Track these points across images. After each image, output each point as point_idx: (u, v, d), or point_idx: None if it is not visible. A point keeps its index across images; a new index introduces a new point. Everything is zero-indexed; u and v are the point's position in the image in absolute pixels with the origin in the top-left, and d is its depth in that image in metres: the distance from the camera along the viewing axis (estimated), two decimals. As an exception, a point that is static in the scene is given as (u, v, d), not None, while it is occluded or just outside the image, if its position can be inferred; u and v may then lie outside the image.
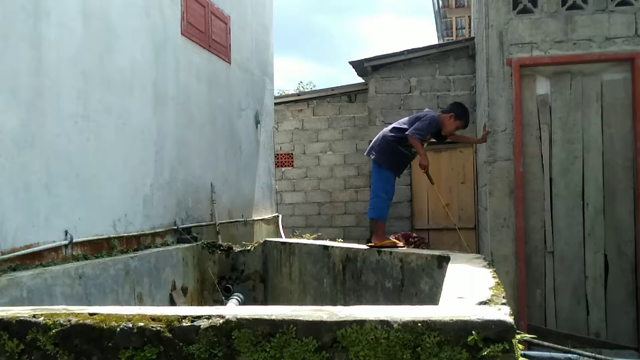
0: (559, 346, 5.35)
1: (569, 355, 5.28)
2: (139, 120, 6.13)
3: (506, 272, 5.80)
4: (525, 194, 5.93)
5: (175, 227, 6.78)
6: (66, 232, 4.88)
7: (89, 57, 5.30)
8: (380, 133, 5.34)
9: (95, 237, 5.28)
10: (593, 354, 5.32)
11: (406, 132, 5.04)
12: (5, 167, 4.27)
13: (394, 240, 5.26)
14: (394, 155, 5.15)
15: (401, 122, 5.25)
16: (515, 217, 5.90)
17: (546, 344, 5.31)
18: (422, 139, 5.12)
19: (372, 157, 5.25)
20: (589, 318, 5.82)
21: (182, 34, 7.12)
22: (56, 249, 4.77)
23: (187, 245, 6.62)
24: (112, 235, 5.53)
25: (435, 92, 10.09)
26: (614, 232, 5.83)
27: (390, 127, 5.30)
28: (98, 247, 5.33)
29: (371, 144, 5.37)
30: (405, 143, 5.12)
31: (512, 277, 5.84)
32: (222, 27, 8.33)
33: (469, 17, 14.66)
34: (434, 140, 5.42)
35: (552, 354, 5.31)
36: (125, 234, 5.76)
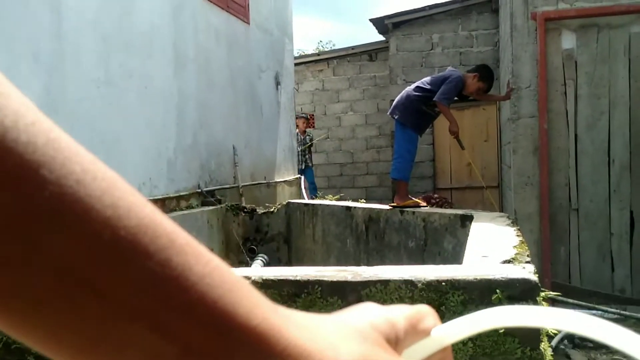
0: (584, 303, 5.36)
1: (594, 311, 5.29)
2: (160, 84, 6.14)
3: (530, 230, 5.78)
4: (549, 151, 5.85)
5: (199, 190, 6.84)
6: (92, 197, 4.95)
7: (108, 21, 5.29)
8: (404, 92, 5.28)
9: (120, 201, 5.35)
10: (618, 311, 5.32)
11: (434, 99, 4.99)
12: (30, 134, 4.32)
13: (417, 200, 5.26)
14: (417, 115, 5.10)
15: (425, 82, 5.18)
16: (539, 174, 5.85)
17: (570, 301, 5.33)
18: (450, 102, 5.07)
19: (396, 117, 5.21)
20: (614, 275, 5.80)
21: (200, -5, 7.06)
22: (83, 213, 4.85)
23: (211, 207, 6.69)
24: (137, 199, 5.60)
25: (457, 49, 9.93)
26: (640, 189, 5.76)
27: (413, 86, 5.24)
28: (124, 211, 5.40)
29: (394, 103, 5.32)
30: (429, 103, 5.07)
31: (536, 235, 5.81)
32: (240, -13, 8.23)
33: (492, -30, 14.29)
34: (456, 98, 5.36)
35: (576, 310, 5.32)
36: (151, 198, 5.83)
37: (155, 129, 6.01)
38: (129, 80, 5.57)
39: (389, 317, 0.37)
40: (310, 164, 10.80)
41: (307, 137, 10.82)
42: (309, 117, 11.15)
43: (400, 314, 0.38)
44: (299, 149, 10.55)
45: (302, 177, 10.79)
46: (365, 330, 0.35)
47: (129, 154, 5.54)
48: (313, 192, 10.74)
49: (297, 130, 10.64)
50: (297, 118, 10.77)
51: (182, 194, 6.47)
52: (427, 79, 5.23)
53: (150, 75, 5.95)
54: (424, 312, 0.40)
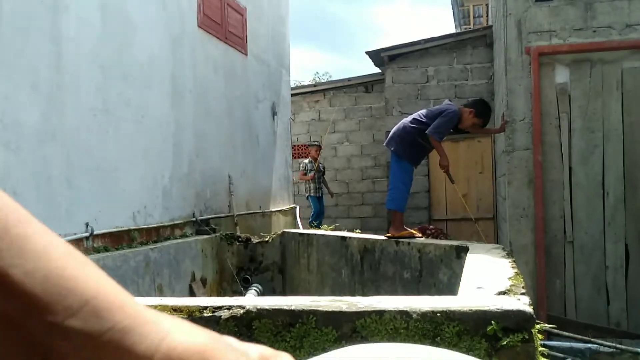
0: (579, 336, 5.33)
1: (589, 345, 5.26)
2: (158, 113, 6.18)
3: (525, 262, 5.77)
4: (544, 184, 5.88)
5: (194, 219, 6.83)
6: (87, 225, 4.94)
7: (107, 51, 5.35)
8: (400, 124, 5.32)
9: (115, 229, 5.34)
10: (613, 344, 5.29)
11: (427, 132, 5.02)
12: (27, 161, 4.33)
13: (412, 231, 5.26)
14: (413, 146, 5.13)
15: (421, 114, 5.21)
16: (534, 206, 5.86)
17: (566, 333, 5.29)
18: (442, 136, 5.10)
19: (392, 149, 5.24)
20: (609, 308, 5.78)
21: (198, 26, 7.15)
22: (77, 241, 4.84)
23: (205, 236, 6.68)
24: (132, 227, 5.59)
25: (452, 82, 10.03)
26: (634, 221, 5.77)
27: (410, 118, 5.27)
28: (118, 239, 5.39)
29: (390, 134, 5.35)
30: (425, 135, 5.10)
31: (532, 267, 5.81)
32: (239, 19, 8.34)
33: (487, 4, 14.53)
34: (451, 131, 5.39)
35: (572, 343, 5.29)
36: (145, 226, 5.82)
37: (151, 157, 6.03)
38: (126, 109, 5.61)
39: (244, 346, 0.39)
40: (324, 192, 10.80)
41: (321, 165, 10.79)
42: (322, 145, 11.13)
43: (256, 349, 0.40)
44: (315, 176, 10.52)
45: (297, 207, 10.78)
46: (214, 337, 0.37)
47: (125, 182, 5.55)
48: (321, 220, 10.65)
49: (310, 157, 10.66)
50: (310, 146, 10.81)
51: (176, 222, 6.46)
52: (424, 111, 5.27)
53: (148, 105, 6.00)
54: (282, 357, 0.41)
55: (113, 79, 5.42)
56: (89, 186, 5.02)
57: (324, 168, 10.87)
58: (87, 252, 4.88)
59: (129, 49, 5.70)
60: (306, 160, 10.70)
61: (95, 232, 5.00)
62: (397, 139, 5.19)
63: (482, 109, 5.21)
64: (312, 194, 10.67)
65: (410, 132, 5.12)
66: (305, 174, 10.55)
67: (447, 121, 5.05)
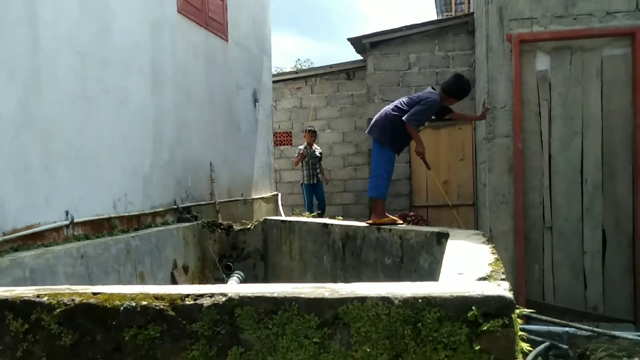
0: (557, 320, 5.41)
1: (567, 329, 5.33)
2: (137, 100, 6.11)
3: (505, 248, 5.83)
4: (524, 171, 5.93)
5: (175, 207, 6.80)
6: (67, 213, 4.89)
7: (85, 37, 5.27)
8: (382, 111, 5.32)
9: (96, 217, 5.30)
10: (591, 328, 5.38)
11: (403, 118, 5.02)
12: (4, 150, 4.27)
13: (394, 217, 5.28)
14: (395, 134, 5.14)
15: (403, 102, 5.22)
16: (514, 193, 5.91)
17: (544, 318, 5.36)
18: (419, 124, 5.10)
19: (374, 136, 5.24)
20: (587, 292, 5.86)
21: (178, 11, 7.07)
22: (57, 230, 4.79)
23: (187, 224, 6.65)
24: (112, 215, 5.55)
25: (434, 69, 10.05)
26: (612, 208, 5.85)
27: (392, 105, 5.28)
28: (99, 227, 5.35)
29: (372, 122, 5.35)
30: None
31: (511, 253, 5.87)
32: (219, 4, 8.26)
33: (468, -8, 14.53)
34: (433, 117, 5.41)
35: (550, 327, 5.36)
36: (126, 214, 5.78)
37: (131, 145, 5.97)
38: (105, 96, 5.54)
39: None
40: (321, 179, 10.55)
41: (316, 151, 10.53)
42: (316, 130, 10.86)
43: None
44: (309, 163, 10.34)
45: (279, 195, 10.76)
46: None
47: (105, 169, 5.49)
48: (323, 208, 10.53)
49: (305, 143, 10.51)
50: (306, 131, 10.61)
51: (157, 210, 6.42)
52: (405, 99, 5.28)
53: (128, 92, 5.93)
54: None
55: (91, 65, 5.35)
56: (69, 174, 4.97)
57: (320, 154, 10.58)
58: (67, 240, 4.84)
59: (107, 34, 5.62)
60: (301, 146, 10.60)
61: (75, 220, 4.96)
62: (379, 127, 5.20)
63: (455, 89, 5.19)
64: (304, 182, 10.51)
65: (392, 120, 5.13)
66: (300, 160, 10.44)
67: (425, 109, 5.06)
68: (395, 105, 5.21)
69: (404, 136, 5.18)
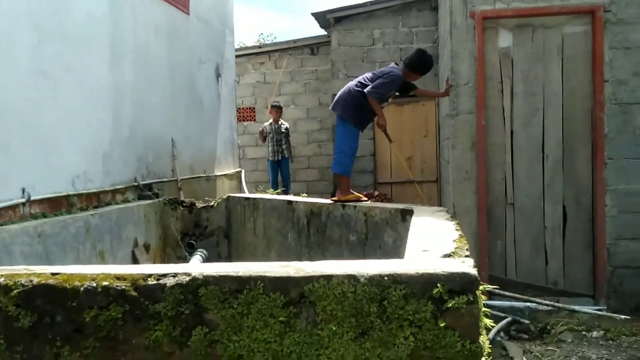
0: (519, 295, 5.53)
1: (529, 304, 5.46)
2: (96, 75, 5.95)
3: (468, 223, 5.91)
4: (486, 147, 5.99)
5: (136, 184, 6.68)
6: (23, 190, 4.75)
7: (43, 12, 5.08)
8: (345, 87, 5.29)
9: (53, 195, 5.17)
10: (551, 302, 5.52)
11: (364, 90, 5.01)
12: (-45, 124, 4.11)
13: (358, 194, 5.29)
14: (359, 110, 5.11)
15: (366, 77, 5.19)
16: (477, 170, 5.98)
17: (507, 293, 5.48)
18: (381, 97, 5.08)
19: (337, 113, 5.21)
20: (548, 268, 6.00)
21: (138, -17, 6.87)
22: (14, 208, 4.66)
23: (148, 201, 6.55)
24: (71, 193, 5.42)
25: (398, 45, 10.03)
26: (572, 184, 5.97)
27: (355, 81, 5.25)
28: (57, 205, 5.22)
29: (336, 98, 5.32)
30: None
31: (474, 228, 5.95)
32: (180, -23, 8.07)
33: (432, -32, 14.52)
34: (397, 94, 5.40)
35: (512, 303, 5.49)
36: (85, 192, 5.65)
37: (90, 121, 5.83)
38: (64, 72, 5.37)
39: None
40: (286, 155, 10.51)
41: (282, 126, 10.46)
42: (282, 106, 10.81)
43: None
44: (274, 139, 10.28)
45: (243, 171, 10.68)
46: None
47: (63, 146, 5.35)
48: (287, 186, 10.51)
49: (272, 119, 10.42)
50: (271, 107, 10.51)
51: (118, 187, 6.30)
52: (369, 74, 5.25)
53: (87, 67, 5.76)
54: None
55: (50, 40, 5.17)
56: (25, 151, 4.82)
57: (286, 129, 10.52)
58: (24, 219, 4.71)
59: (66, 8, 5.44)
60: (266, 123, 10.50)
61: (32, 198, 4.82)
62: (343, 103, 5.17)
63: (417, 64, 5.18)
64: (269, 158, 10.47)
65: (356, 96, 5.10)
66: (265, 138, 10.37)
67: (387, 83, 5.05)
68: (359, 81, 5.19)
69: (368, 112, 5.16)
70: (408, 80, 5.27)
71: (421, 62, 5.21)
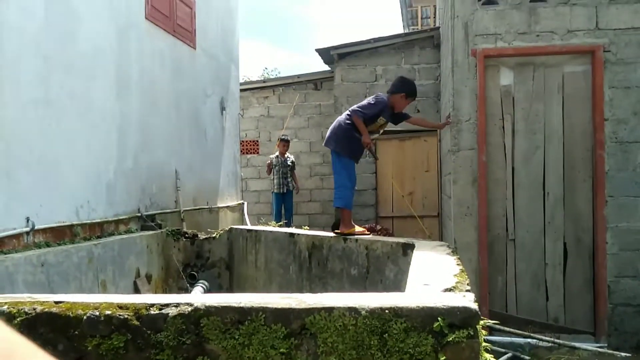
0: (520, 331, 5.50)
1: (529, 340, 5.43)
2: (102, 106, 6.03)
3: (469, 259, 5.90)
4: (488, 183, 6.03)
5: (139, 214, 6.71)
6: (27, 219, 4.78)
7: (50, 41, 5.18)
8: (335, 122, 5.35)
9: (57, 224, 5.19)
10: (552, 339, 5.48)
11: (349, 109, 5.12)
12: (-37, 153, 4.16)
13: (361, 228, 5.30)
14: (350, 141, 5.14)
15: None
16: (478, 205, 6.00)
17: (507, 329, 5.45)
18: (365, 116, 5.13)
19: (331, 148, 5.26)
20: (548, 304, 5.97)
21: (146, 18, 7.01)
22: (17, 236, 4.68)
23: (151, 232, 6.56)
24: (74, 222, 5.44)
25: (400, 81, 10.15)
26: (573, 221, 5.98)
27: (344, 115, 5.31)
28: (60, 235, 5.24)
29: (328, 133, 5.36)
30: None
31: (475, 264, 5.94)
32: (187, 12, 8.22)
33: (434, 6, 14.76)
34: (390, 122, 5.41)
35: (512, 338, 5.45)
36: (88, 221, 5.68)
37: (95, 151, 5.88)
38: (69, 101, 5.45)
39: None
40: (291, 188, 10.59)
41: (288, 159, 10.56)
42: (289, 139, 10.94)
43: None
44: (280, 172, 10.35)
45: (245, 203, 10.71)
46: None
47: (67, 176, 5.39)
48: (290, 218, 10.54)
49: (277, 152, 10.51)
50: (279, 140, 10.63)
51: (121, 217, 6.32)
52: (355, 106, 5.32)
53: (92, 97, 5.84)
54: None
55: (56, 70, 5.26)
56: (30, 180, 4.86)
57: (292, 163, 10.63)
58: (27, 247, 4.73)
59: (73, 39, 5.54)
60: (272, 156, 10.60)
61: (36, 227, 4.84)
62: (334, 137, 5.22)
63: (409, 88, 5.29)
64: (274, 190, 10.53)
65: (346, 128, 5.15)
66: (271, 170, 10.46)
67: (372, 104, 5.15)
68: (347, 114, 5.26)
69: (359, 142, 5.18)
70: (398, 108, 5.32)
71: (403, 83, 5.32)
